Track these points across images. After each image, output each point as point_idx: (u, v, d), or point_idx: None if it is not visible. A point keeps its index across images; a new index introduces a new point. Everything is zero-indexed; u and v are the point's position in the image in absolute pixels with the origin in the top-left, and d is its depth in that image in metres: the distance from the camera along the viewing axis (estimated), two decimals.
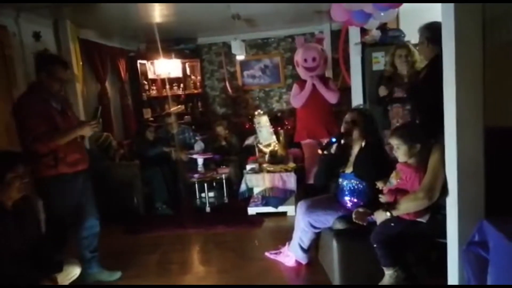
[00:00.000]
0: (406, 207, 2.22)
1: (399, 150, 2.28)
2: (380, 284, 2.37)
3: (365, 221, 2.42)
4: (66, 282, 2.43)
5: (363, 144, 2.63)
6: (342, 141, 2.63)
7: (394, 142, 2.30)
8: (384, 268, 2.35)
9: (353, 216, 2.45)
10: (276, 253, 3.21)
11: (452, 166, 1.91)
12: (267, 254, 3.26)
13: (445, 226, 2.07)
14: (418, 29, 2.95)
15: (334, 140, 2.60)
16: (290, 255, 3.05)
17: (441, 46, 2.82)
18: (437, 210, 2.23)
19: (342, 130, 2.70)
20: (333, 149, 2.61)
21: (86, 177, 2.88)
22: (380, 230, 2.35)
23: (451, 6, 1.79)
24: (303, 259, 2.99)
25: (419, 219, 2.27)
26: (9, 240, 2.12)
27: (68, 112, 2.82)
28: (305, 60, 4.43)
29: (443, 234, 2.13)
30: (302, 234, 2.90)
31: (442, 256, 2.24)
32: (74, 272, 2.51)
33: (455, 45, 1.79)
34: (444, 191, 2.09)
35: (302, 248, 2.94)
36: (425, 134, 2.27)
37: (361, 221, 2.42)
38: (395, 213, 2.26)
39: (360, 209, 2.46)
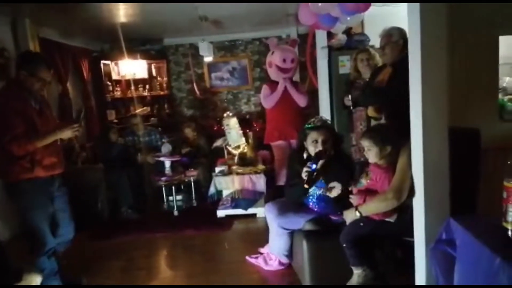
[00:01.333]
0: (375, 207, 2.27)
1: (370, 152, 2.31)
2: (348, 283, 2.40)
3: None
4: None
5: (331, 153, 2.62)
6: (320, 162, 2.53)
7: (365, 144, 2.32)
8: (353, 268, 2.38)
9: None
10: (256, 257, 3.16)
11: (418, 166, 1.96)
12: (247, 258, 3.20)
13: (412, 225, 2.12)
14: (394, 28, 2.97)
15: (314, 167, 2.47)
16: (273, 258, 3.01)
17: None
18: (404, 210, 2.28)
19: (315, 151, 2.57)
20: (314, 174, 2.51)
21: (62, 181, 2.77)
22: (348, 230, 2.38)
23: (416, 6, 1.84)
24: (286, 259, 2.96)
25: (387, 219, 2.32)
26: None
27: (47, 113, 2.70)
28: (284, 60, 4.42)
29: (410, 233, 2.19)
30: (277, 237, 2.88)
31: (408, 254, 2.32)
32: (34, 281, 2.39)
33: (420, 46, 1.85)
34: (411, 192, 2.14)
35: (283, 248, 2.91)
36: (396, 136, 2.30)
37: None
38: (364, 213, 2.30)
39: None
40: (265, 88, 4.56)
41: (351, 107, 3.54)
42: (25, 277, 2.32)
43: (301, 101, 4.44)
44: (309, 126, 2.66)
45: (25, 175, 2.52)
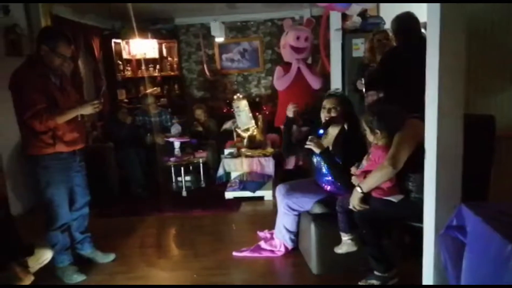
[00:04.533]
0: (374, 179, 2.24)
1: (366, 134, 2.36)
2: (335, 249, 2.46)
3: (320, 147, 2.55)
4: (37, 267, 2.35)
5: (345, 126, 2.65)
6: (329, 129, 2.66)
7: (363, 125, 2.37)
8: (341, 234, 2.44)
9: (308, 142, 2.57)
10: (252, 249, 3.04)
11: (432, 152, 1.93)
12: (261, 245, 3.07)
13: (417, 209, 2.11)
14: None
15: (322, 132, 2.60)
16: (278, 244, 2.98)
17: (403, 37, 3.08)
18: (408, 193, 2.27)
19: (326, 117, 2.67)
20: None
21: (82, 156, 2.82)
22: (347, 198, 2.38)
23: None
24: (290, 242, 2.94)
25: (390, 198, 2.28)
26: None
27: (67, 89, 2.72)
28: (298, 38, 4.37)
29: (415, 218, 2.17)
30: (284, 218, 2.89)
31: (415, 239, 2.31)
32: (45, 256, 2.43)
33: (439, 33, 1.80)
34: (414, 170, 2.15)
35: (288, 230, 2.91)
36: (388, 120, 2.29)
37: (315, 147, 2.54)
38: (365, 188, 2.27)
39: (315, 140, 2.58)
40: (278, 70, 4.52)
41: (364, 91, 3.50)
42: (36, 251, 2.36)
43: (315, 83, 4.40)
44: (325, 94, 2.82)
45: (47, 150, 2.56)
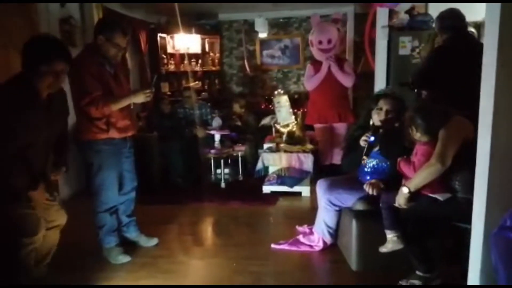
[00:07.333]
0: (422, 177, 2.21)
1: (409, 130, 2.31)
2: (380, 248, 2.39)
3: (377, 191, 2.49)
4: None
5: (395, 125, 2.58)
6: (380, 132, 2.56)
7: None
8: (386, 232, 2.37)
9: (365, 187, 2.51)
10: (290, 243, 3.06)
11: (484, 151, 1.88)
12: (300, 239, 3.08)
13: (464, 209, 2.07)
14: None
15: (373, 139, 2.49)
16: (317, 237, 2.98)
17: (447, 35, 3.00)
18: (455, 192, 2.23)
19: (380, 119, 2.56)
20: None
21: (132, 143, 2.96)
22: (392, 195, 2.35)
23: None
24: (329, 237, 2.94)
25: (434, 195, 2.25)
26: (38, 130, 2.13)
27: (121, 78, 2.85)
28: (320, 42, 4.34)
29: (461, 218, 2.12)
30: (324, 213, 2.90)
31: (459, 241, 2.26)
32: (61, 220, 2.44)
33: (498, 31, 1.75)
34: (459, 168, 2.13)
35: (328, 226, 2.91)
36: (427, 118, 2.24)
37: (373, 191, 2.49)
38: (412, 187, 2.24)
39: (373, 181, 2.51)
40: (309, 68, 4.48)
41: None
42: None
43: (346, 81, 4.32)
44: (378, 93, 2.70)
45: (101, 135, 2.69)
